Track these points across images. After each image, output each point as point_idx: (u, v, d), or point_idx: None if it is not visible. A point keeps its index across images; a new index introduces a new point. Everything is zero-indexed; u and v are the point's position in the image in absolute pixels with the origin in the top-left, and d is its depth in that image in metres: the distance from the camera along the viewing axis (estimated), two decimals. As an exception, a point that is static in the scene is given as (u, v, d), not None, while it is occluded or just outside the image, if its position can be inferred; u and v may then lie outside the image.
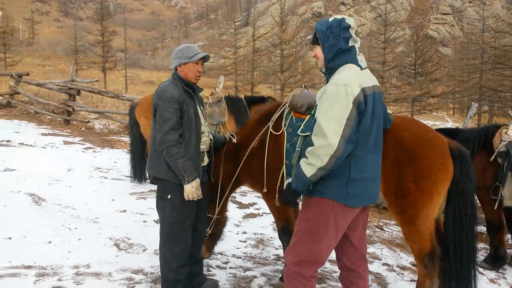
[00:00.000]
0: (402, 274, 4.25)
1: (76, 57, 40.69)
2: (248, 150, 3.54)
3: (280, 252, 4.48)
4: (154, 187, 6.50)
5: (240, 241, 4.71)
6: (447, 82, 44.39)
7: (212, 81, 56.46)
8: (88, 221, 4.69)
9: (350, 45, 2.44)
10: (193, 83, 3.13)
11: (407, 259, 4.70)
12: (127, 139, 11.06)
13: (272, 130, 3.42)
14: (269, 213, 5.77)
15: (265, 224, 5.33)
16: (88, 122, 11.85)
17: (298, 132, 3.25)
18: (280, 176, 3.41)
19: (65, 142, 9.36)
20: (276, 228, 5.15)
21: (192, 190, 2.96)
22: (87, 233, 4.34)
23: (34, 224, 4.40)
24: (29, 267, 3.57)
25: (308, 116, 3.36)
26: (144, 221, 4.90)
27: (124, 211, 5.16)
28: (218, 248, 4.10)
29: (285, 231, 3.63)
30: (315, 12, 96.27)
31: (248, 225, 5.24)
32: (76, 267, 3.66)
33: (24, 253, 3.78)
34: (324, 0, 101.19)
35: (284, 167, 3.39)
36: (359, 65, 2.46)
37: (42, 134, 10.33)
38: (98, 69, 38.04)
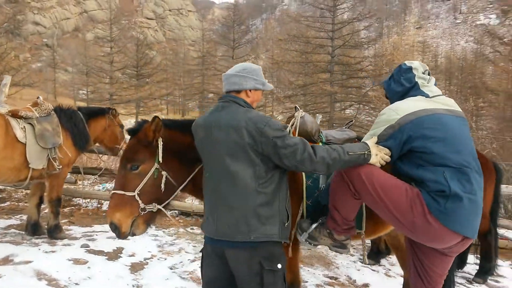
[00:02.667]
0: (338, 292, 4.30)
1: None
2: None
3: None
4: None
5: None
6: (159, 84, 47.08)
7: None
8: None
9: (414, 82, 2.50)
10: None
11: (319, 273, 4.78)
12: None
13: None
14: (158, 257, 4.64)
15: (166, 274, 4.22)
16: None
17: None
18: (298, 219, 2.83)
19: None
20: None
21: (377, 158, 2.28)
22: None
23: None
24: None
25: (320, 143, 2.96)
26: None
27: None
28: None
29: (294, 286, 3.00)
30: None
31: (149, 282, 3.99)
32: None
33: None
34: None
35: (304, 207, 2.82)
36: (424, 95, 2.45)
37: None
38: None
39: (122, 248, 4.82)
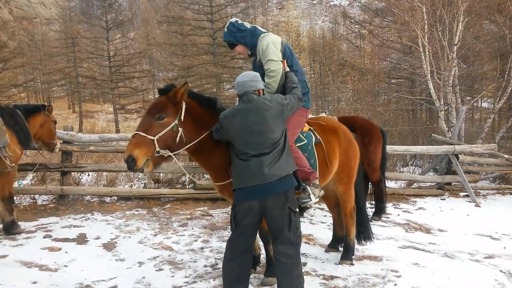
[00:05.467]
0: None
1: None
2: None
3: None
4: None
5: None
6: (17, 70, 42.29)
7: None
8: None
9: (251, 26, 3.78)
10: None
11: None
12: None
13: None
14: (123, 237, 5.11)
15: (139, 247, 4.77)
16: None
17: None
18: None
19: None
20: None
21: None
22: None
23: None
24: None
25: None
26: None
27: None
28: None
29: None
30: None
31: (128, 256, 4.51)
32: None
33: None
34: None
35: None
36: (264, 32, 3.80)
37: None
38: None
39: (84, 234, 5.16)
